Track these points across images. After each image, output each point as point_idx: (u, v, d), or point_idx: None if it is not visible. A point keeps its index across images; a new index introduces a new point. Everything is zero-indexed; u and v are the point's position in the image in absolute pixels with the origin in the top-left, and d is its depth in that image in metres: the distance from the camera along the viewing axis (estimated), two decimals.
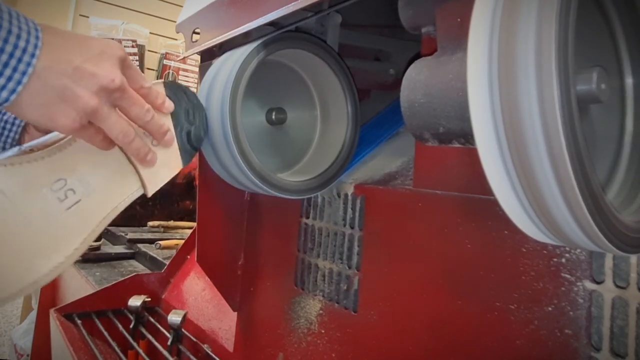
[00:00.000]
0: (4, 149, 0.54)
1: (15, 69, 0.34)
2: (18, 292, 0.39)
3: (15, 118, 0.55)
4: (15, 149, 0.43)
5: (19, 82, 0.34)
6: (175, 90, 0.51)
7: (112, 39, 2.57)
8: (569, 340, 0.38)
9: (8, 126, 0.54)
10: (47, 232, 0.40)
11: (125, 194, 0.46)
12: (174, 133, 0.49)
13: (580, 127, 0.25)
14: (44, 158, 0.42)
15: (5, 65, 0.33)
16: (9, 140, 0.54)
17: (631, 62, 0.36)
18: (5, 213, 0.38)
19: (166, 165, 0.49)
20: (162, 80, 0.51)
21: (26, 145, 0.44)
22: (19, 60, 0.34)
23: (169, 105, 0.48)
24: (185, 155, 0.51)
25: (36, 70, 0.35)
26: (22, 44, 0.34)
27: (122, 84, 0.40)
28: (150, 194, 0.48)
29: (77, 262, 1.24)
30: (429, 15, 0.41)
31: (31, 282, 0.39)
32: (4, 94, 0.34)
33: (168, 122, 0.49)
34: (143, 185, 0.47)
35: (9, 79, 0.34)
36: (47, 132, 0.54)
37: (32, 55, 0.34)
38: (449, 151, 0.49)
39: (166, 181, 0.49)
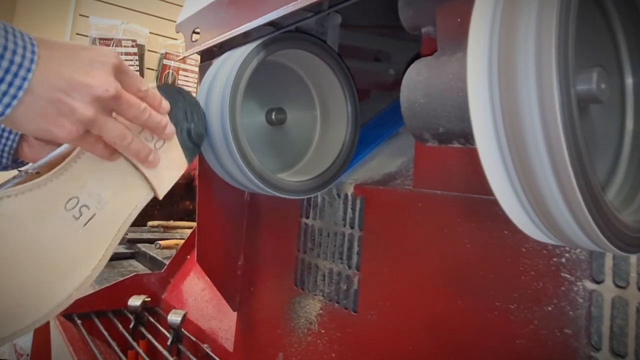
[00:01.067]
0: (1, 157, 0.54)
1: (10, 84, 0.34)
2: (43, 317, 0.39)
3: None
4: (23, 175, 0.43)
5: (14, 97, 0.35)
6: (170, 92, 0.52)
7: (112, 38, 2.58)
8: (569, 340, 0.38)
9: (5, 134, 0.54)
10: (65, 254, 0.41)
11: (137, 200, 0.47)
12: (174, 127, 0.50)
13: (580, 127, 0.25)
14: (52, 181, 0.42)
15: (1, 80, 0.34)
16: (7, 148, 0.54)
17: (631, 62, 0.36)
18: (22, 241, 0.39)
19: (171, 166, 0.50)
20: (156, 84, 0.51)
21: (32, 168, 0.44)
22: (15, 75, 0.34)
23: (166, 105, 0.49)
24: (188, 154, 0.52)
25: (31, 85, 0.35)
26: (17, 59, 0.34)
27: (116, 92, 0.40)
28: (161, 196, 0.48)
29: None
30: (428, 15, 0.41)
31: (54, 306, 0.39)
32: None
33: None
34: (153, 189, 0.48)
35: (4, 93, 0.34)
36: (46, 141, 0.54)
37: (28, 70, 0.35)
38: (449, 151, 0.49)
39: (174, 181, 0.50)
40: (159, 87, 0.50)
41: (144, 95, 0.45)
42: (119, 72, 0.41)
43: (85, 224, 0.42)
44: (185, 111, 0.53)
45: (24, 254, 0.39)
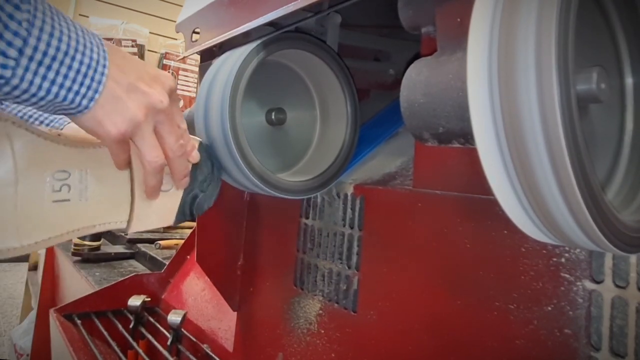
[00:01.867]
0: None
1: (92, 79, 0.36)
2: None
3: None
4: (45, 127, 0.43)
5: (96, 91, 0.37)
6: (206, 153, 0.51)
7: (112, 38, 2.58)
8: (569, 340, 0.38)
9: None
10: (22, 212, 0.39)
11: (110, 219, 0.45)
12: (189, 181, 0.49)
13: (580, 127, 0.25)
14: (66, 145, 0.42)
15: (85, 75, 0.36)
16: None
17: (631, 61, 0.36)
18: (5, 174, 0.38)
19: (159, 215, 0.48)
20: (200, 139, 0.51)
21: (55, 131, 0.44)
22: (95, 70, 0.36)
23: (196, 155, 0.49)
24: (179, 217, 0.50)
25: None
26: (95, 55, 0.37)
27: (168, 108, 0.42)
28: (129, 232, 0.47)
29: (77, 262, 1.24)
30: (428, 15, 0.41)
31: None
32: (84, 101, 0.36)
33: None
34: (129, 220, 0.46)
35: (89, 87, 0.36)
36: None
37: (104, 66, 0.37)
38: (448, 151, 0.49)
39: (149, 228, 0.48)
40: (200, 142, 0.50)
41: (182, 133, 0.45)
42: (171, 98, 0.43)
43: (55, 201, 0.41)
44: (206, 179, 0.52)
45: None
